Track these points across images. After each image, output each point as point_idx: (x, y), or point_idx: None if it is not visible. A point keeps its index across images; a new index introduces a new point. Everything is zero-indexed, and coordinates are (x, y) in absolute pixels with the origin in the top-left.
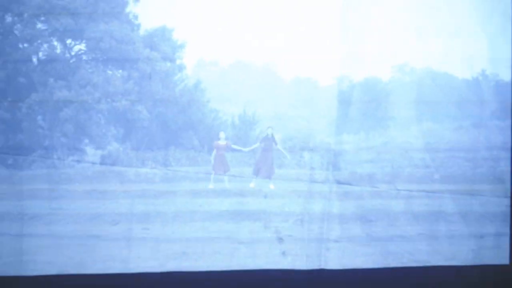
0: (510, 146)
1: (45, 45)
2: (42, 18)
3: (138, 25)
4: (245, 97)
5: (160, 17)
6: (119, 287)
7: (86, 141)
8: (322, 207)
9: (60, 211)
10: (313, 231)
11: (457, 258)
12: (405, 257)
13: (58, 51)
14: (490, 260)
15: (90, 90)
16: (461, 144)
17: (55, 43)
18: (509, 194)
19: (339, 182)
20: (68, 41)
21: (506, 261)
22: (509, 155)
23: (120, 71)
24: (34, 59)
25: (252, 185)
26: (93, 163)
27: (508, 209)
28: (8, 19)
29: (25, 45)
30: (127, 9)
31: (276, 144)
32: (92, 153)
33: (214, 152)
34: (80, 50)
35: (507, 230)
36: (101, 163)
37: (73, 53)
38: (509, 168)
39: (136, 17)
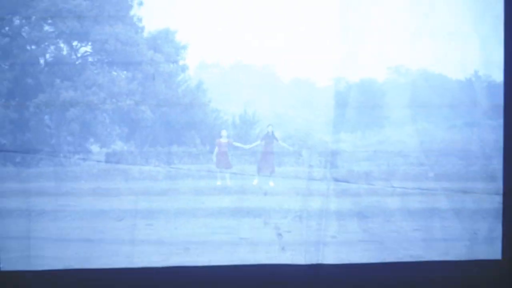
0: (502, 145)
1: (52, 47)
2: (49, 21)
3: (142, 28)
4: (246, 97)
5: (163, 20)
6: (123, 282)
7: (92, 140)
8: (320, 204)
9: (66, 208)
10: (311, 227)
11: (451, 253)
12: (401, 252)
13: (65, 53)
14: (483, 255)
15: (96, 91)
16: (454, 143)
17: (62, 45)
18: (501, 192)
19: (336, 180)
20: (74, 43)
21: (498, 256)
22: (501, 153)
23: (125, 72)
24: (41, 61)
25: (255, 182)
26: (98, 161)
27: (500, 206)
28: (16, 21)
29: (33, 47)
30: (132, 12)
31: (277, 140)
32: (97, 151)
33: (216, 149)
34: (86, 52)
35: (499, 226)
36: (106, 161)
37: (79, 55)
38: (501, 166)
39: (140, 20)
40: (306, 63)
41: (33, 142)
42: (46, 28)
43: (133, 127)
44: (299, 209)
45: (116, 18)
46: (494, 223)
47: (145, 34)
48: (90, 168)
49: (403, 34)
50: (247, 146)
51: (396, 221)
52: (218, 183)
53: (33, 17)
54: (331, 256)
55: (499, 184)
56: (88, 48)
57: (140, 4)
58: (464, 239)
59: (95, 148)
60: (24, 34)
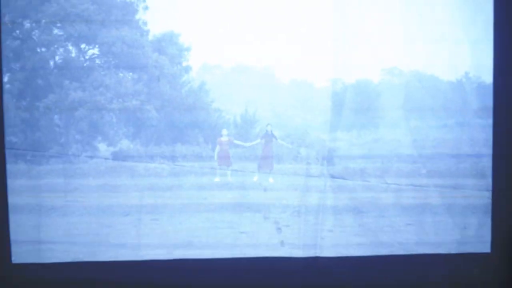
0: (491, 144)
1: (61, 50)
2: (58, 25)
3: (147, 31)
4: (246, 97)
5: (167, 24)
6: (129, 274)
7: (99, 138)
8: (317, 200)
9: (75, 203)
10: (309, 221)
11: (442, 246)
12: (395, 246)
13: (73, 55)
14: (473, 249)
15: (103, 91)
16: (446, 141)
17: (70, 47)
18: (490, 188)
19: (333, 176)
20: (82, 46)
21: (487, 249)
22: (490, 151)
23: (131, 73)
24: (51, 63)
25: (255, 178)
26: (106, 158)
27: (490, 201)
28: (27, 25)
29: (43, 49)
30: (137, 16)
31: (276, 139)
32: (104, 149)
33: (218, 148)
34: (93, 54)
35: (489, 221)
36: (113, 159)
37: (87, 57)
38: (490, 164)
39: (145, 23)
40: (304, 65)
41: (43, 141)
42: (55, 31)
43: (139, 126)
44: (297, 204)
45: (122, 22)
46: (484, 218)
47: (150, 37)
48: (97, 166)
49: (397, 37)
50: (247, 144)
51: (390, 216)
52: (217, 179)
53: (43, 21)
54: (328, 249)
55: (488, 181)
56: (95, 51)
57: (146, 8)
58: (455, 233)
59: (102, 146)
60: (34, 37)
